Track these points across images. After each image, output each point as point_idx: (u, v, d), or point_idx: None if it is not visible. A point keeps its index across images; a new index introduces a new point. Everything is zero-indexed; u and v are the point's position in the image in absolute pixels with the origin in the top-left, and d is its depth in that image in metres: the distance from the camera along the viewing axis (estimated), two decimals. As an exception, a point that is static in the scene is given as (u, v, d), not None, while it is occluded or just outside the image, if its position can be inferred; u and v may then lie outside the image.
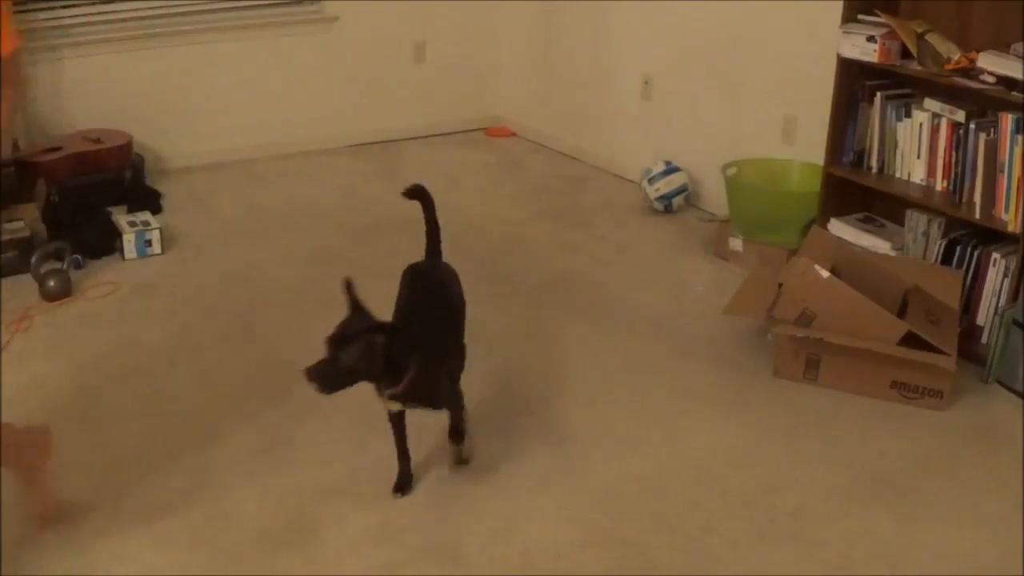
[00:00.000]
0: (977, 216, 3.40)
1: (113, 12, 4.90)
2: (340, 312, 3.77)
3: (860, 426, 3.08)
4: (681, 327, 3.69)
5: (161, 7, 4.98)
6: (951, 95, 3.47)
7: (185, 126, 5.16)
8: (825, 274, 3.24)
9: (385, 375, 2.52)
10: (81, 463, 2.80)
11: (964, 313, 3.43)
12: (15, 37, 2.15)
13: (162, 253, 4.18)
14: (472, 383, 3.28)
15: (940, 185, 3.57)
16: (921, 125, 3.57)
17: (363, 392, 3.21)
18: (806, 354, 3.26)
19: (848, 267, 3.41)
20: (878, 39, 3.54)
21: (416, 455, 2.90)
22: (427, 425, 3.06)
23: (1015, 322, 3.23)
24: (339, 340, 2.47)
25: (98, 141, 4.66)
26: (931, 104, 3.53)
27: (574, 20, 5.30)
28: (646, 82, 5.04)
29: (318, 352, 3.51)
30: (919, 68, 3.49)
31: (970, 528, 2.63)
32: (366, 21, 5.36)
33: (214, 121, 5.23)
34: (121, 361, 3.36)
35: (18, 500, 2.55)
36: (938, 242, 3.56)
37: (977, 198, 3.40)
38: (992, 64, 3.26)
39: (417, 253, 3.17)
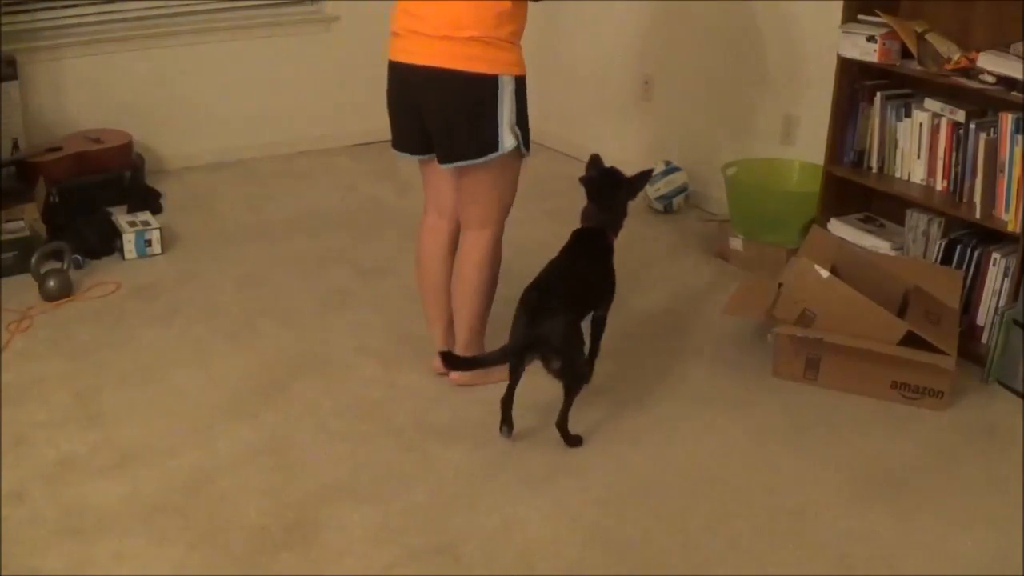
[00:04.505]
0: (977, 216, 3.40)
1: (113, 12, 4.90)
2: (340, 312, 3.79)
3: (860, 426, 3.08)
4: (681, 327, 3.69)
5: (161, 7, 4.98)
6: (951, 95, 3.47)
7: (185, 126, 5.15)
8: (825, 274, 3.24)
9: None
10: (82, 462, 2.81)
11: (964, 313, 3.43)
12: None
13: (162, 253, 4.18)
14: (472, 383, 3.30)
15: (940, 185, 3.57)
16: (921, 125, 3.57)
17: (363, 391, 3.22)
18: (806, 354, 3.26)
19: (848, 267, 3.41)
20: (878, 39, 3.54)
21: (415, 458, 2.91)
22: (425, 420, 3.07)
23: (1015, 322, 3.23)
24: None
25: (98, 141, 4.66)
26: (931, 104, 3.53)
27: (574, 20, 5.30)
28: (646, 82, 5.04)
29: (316, 350, 3.52)
30: (919, 68, 3.49)
31: (970, 528, 2.63)
32: (366, 21, 5.33)
33: (214, 121, 5.23)
34: (121, 361, 3.36)
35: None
36: (938, 242, 3.56)
37: (977, 198, 3.40)
38: (992, 64, 3.26)
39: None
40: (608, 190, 3.12)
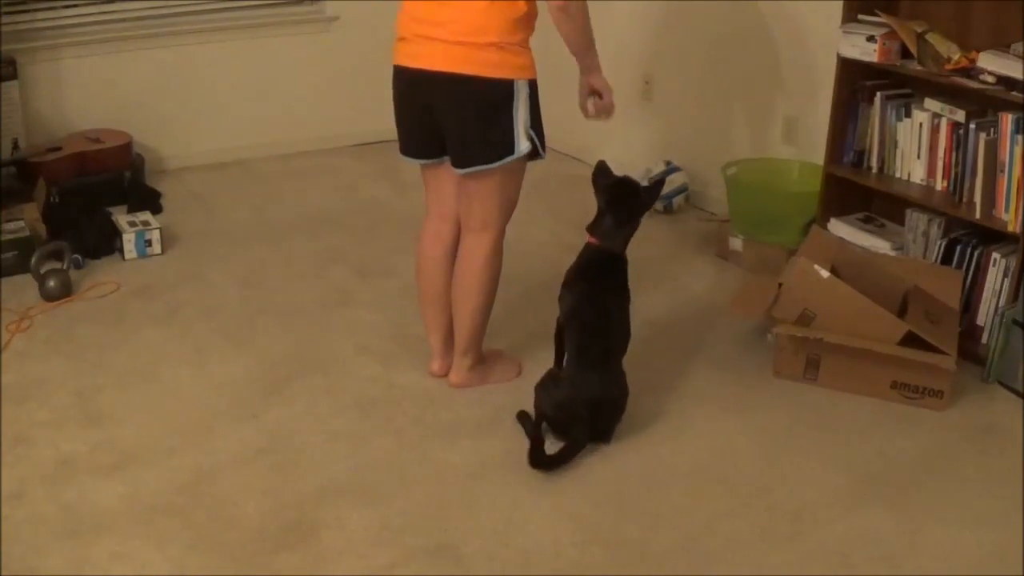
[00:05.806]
0: (977, 216, 3.40)
1: (113, 12, 4.89)
2: (340, 312, 3.79)
3: (860, 426, 3.08)
4: (680, 327, 3.69)
5: (161, 7, 4.98)
6: (951, 95, 3.47)
7: (185, 126, 5.15)
8: (825, 274, 3.24)
9: None
10: (82, 462, 2.81)
11: (964, 313, 3.43)
12: None
13: (162, 253, 4.18)
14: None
15: (940, 185, 3.57)
16: (921, 125, 3.57)
17: (363, 391, 3.21)
18: (806, 354, 3.26)
19: (848, 267, 3.41)
20: (878, 39, 3.54)
21: (415, 458, 2.91)
22: (422, 417, 3.07)
23: (1015, 322, 3.23)
24: None
25: (98, 141, 4.66)
26: (931, 104, 3.53)
27: (574, 20, 5.30)
28: (646, 82, 5.04)
29: (316, 350, 3.52)
30: (919, 68, 3.49)
31: (970, 528, 2.63)
32: (366, 21, 5.34)
33: (214, 121, 5.23)
34: (121, 361, 3.36)
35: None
36: (938, 242, 3.56)
37: (977, 198, 3.40)
38: (992, 64, 3.26)
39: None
40: (630, 201, 3.02)
